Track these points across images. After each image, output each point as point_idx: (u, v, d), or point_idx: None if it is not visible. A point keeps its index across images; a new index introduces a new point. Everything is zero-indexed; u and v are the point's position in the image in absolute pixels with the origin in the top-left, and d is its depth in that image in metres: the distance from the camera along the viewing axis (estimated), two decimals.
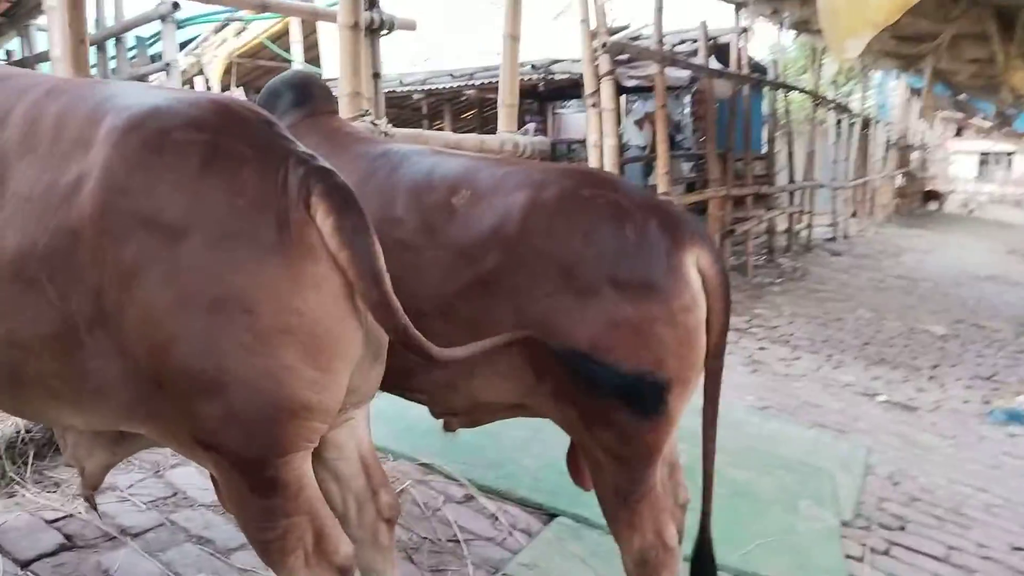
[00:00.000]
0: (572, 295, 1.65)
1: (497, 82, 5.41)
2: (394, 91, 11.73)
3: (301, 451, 1.41)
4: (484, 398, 1.84)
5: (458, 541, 2.53)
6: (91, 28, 9.90)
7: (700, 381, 1.76)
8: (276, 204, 1.33)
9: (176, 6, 7.69)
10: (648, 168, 10.02)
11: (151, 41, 9.22)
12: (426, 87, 12.15)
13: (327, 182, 1.37)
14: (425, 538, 2.55)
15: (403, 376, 1.87)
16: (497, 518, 2.72)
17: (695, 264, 1.68)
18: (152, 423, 1.44)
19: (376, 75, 4.88)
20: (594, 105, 6.42)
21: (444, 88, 12.04)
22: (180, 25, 9.70)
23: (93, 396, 1.44)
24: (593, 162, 6.43)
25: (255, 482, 1.40)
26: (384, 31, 4.87)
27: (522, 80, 6.70)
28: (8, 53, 10.79)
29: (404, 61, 13.18)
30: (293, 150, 1.41)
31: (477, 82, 11.47)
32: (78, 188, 1.35)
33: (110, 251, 1.31)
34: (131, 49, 8.25)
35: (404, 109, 13.64)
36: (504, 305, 1.70)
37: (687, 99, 11.29)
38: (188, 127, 1.37)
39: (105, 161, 1.34)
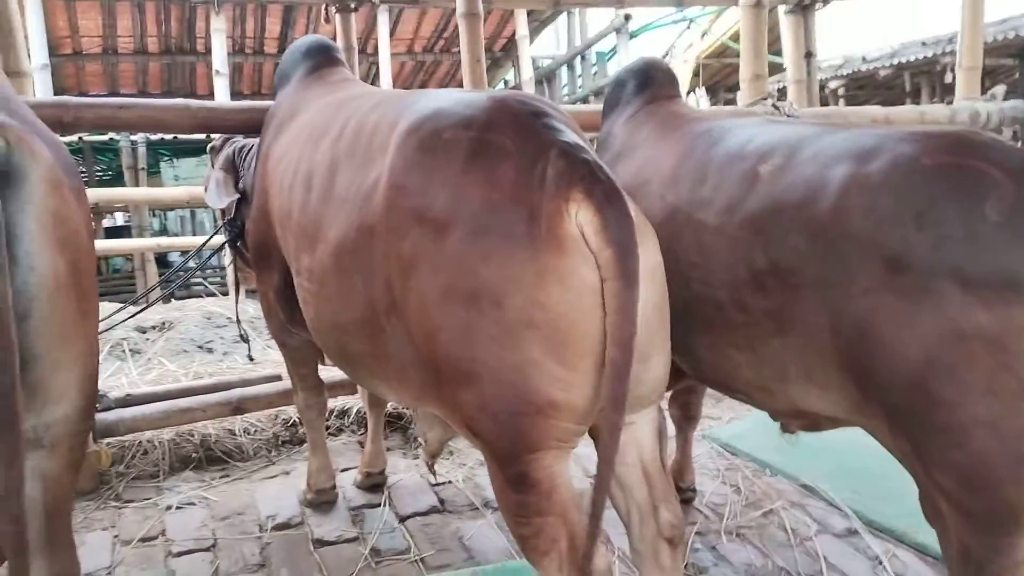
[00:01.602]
0: (900, 294, 1.25)
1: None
2: (858, 70, 10.62)
3: (552, 450, 1.35)
4: (804, 406, 1.53)
5: None
6: (562, 49, 11.31)
7: None
8: (531, 197, 1.29)
9: (627, 18, 8.21)
10: None
11: (609, 56, 10.03)
12: (895, 61, 10.71)
13: (589, 176, 1.30)
14: (783, 569, 2.22)
15: (716, 372, 1.66)
16: (881, 562, 2.23)
17: None
18: (440, 406, 1.52)
19: (809, 55, 4.48)
20: None
21: (916, 59, 10.45)
22: (633, 35, 10.33)
23: (397, 375, 1.59)
24: None
25: (508, 475, 1.37)
26: (819, 4, 4.45)
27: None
28: (505, 82, 12.91)
29: (871, 35, 11.83)
30: (557, 142, 1.35)
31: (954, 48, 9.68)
32: (374, 189, 1.49)
33: (395, 245, 1.42)
34: (593, 65, 9.10)
35: (865, 88, 12.26)
36: (811, 300, 1.39)
37: None
38: (458, 126, 1.41)
39: (391, 163, 1.46)
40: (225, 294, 5.87)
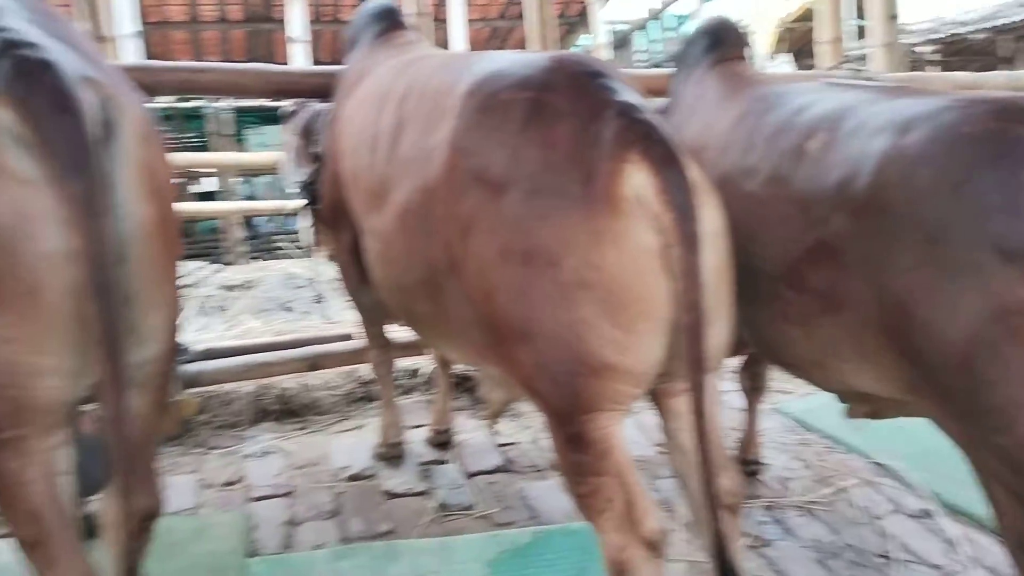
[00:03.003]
0: (940, 270, 1.20)
1: None
2: (951, 34, 10.01)
3: (607, 411, 1.36)
4: (857, 385, 1.49)
5: (888, 558, 2.10)
6: (639, 13, 11.07)
7: None
8: (586, 157, 1.29)
9: None
10: None
11: (686, 19, 9.76)
12: (990, 24, 10.03)
13: (646, 137, 1.29)
14: (850, 545, 2.18)
15: (772, 346, 1.63)
16: (955, 545, 2.17)
17: None
18: (500, 364, 1.55)
19: (893, 17, 4.26)
20: None
21: (1014, 22, 9.76)
22: None
23: (459, 335, 1.62)
24: None
25: (565, 434, 1.40)
26: None
27: None
28: (579, 47, 12.73)
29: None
30: (614, 102, 1.34)
31: None
32: (436, 150, 1.52)
33: (454, 206, 1.44)
34: (667, 30, 8.89)
35: (961, 54, 11.52)
36: (856, 278, 1.35)
37: None
38: (515, 87, 1.41)
39: (452, 125, 1.48)
40: (306, 256, 6.07)
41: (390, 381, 2.62)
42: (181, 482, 2.48)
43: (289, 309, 4.39)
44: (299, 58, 6.20)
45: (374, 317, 2.50)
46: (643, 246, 1.28)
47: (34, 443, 1.20)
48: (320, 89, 2.56)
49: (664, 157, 1.28)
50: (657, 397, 1.54)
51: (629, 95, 1.38)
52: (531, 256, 1.31)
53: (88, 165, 1.11)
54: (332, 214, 2.31)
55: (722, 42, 2.12)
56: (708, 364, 1.46)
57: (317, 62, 6.99)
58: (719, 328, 1.43)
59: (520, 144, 1.35)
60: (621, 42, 12.00)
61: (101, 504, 1.40)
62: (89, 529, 1.36)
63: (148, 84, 2.35)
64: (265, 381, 3.05)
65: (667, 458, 1.67)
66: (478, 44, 11.76)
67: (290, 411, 3.03)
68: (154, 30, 10.48)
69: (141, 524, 1.43)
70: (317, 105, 2.77)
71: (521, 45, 12.04)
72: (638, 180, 1.27)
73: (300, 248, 6.20)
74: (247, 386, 3.02)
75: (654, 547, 1.38)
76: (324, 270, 4.93)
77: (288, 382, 3.10)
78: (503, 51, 1.64)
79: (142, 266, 1.23)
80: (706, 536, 1.49)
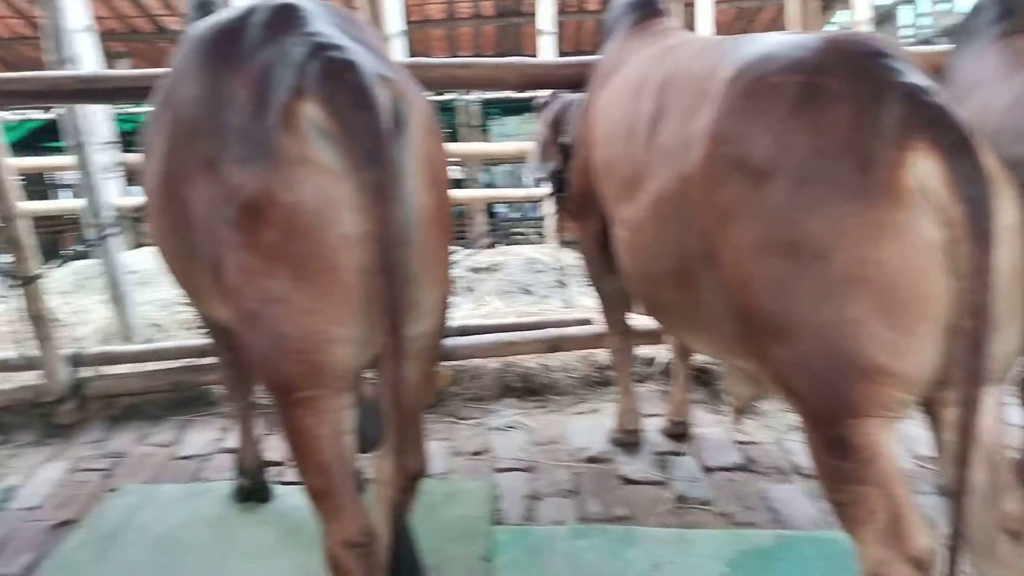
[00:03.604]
0: None
1: None
2: None
3: (875, 417, 1.26)
4: None
5: None
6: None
7: None
8: (864, 144, 1.20)
9: None
10: None
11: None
12: None
13: (936, 122, 1.18)
14: None
15: None
16: None
17: None
18: (752, 360, 1.50)
19: None
20: None
21: None
22: None
23: (708, 326, 1.59)
24: None
25: (825, 437, 1.31)
26: None
27: None
28: (837, 25, 11.75)
29: None
30: (898, 84, 1.23)
31: None
32: (696, 137, 1.49)
33: (712, 194, 1.41)
34: (938, 3, 7.90)
35: None
36: None
37: None
38: (785, 70, 1.34)
39: (713, 111, 1.44)
40: (546, 242, 6.28)
41: (628, 368, 2.63)
42: (434, 448, 2.68)
43: (530, 292, 4.57)
44: (548, 50, 6.37)
45: (615, 304, 2.53)
46: (927, 241, 1.16)
47: (326, 403, 1.36)
48: (572, 80, 2.62)
49: (955, 144, 1.15)
50: (930, 406, 1.40)
51: (916, 77, 1.25)
52: (795, 248, 1.25)
53: (383, 157, 1.23)
54: (580, 202, 2.36)
55: (1013, 12, 1.84)
56: (990, 375, 1.31)
57: (562, 53, 7.15)
58: (1012, 333, 1.27)
59: (788, 129, 1.29)
60: (884, 17, 10.88)
61: (371, 462, 1.57)
62: (358, 484, 1.53)
63: (419, 80, 2.56)
64: (509, 359, 3.22)
65: (935, 473, 1.51)
66: (724, 27, 11.30)
67: (531, 389, 3.16)
68: (416, 28, 11.34)
69: (409, 482, 1.59)
70: (569, 96, 2.84)
71: (769, 27, 11.41)
72: (924, 168, 1.16)
73: (540, 235, 6.43)
74: (492, 363, 3.20)
75: (921, 566, 1.27)
76: (563, 256, 5.06)
77: (529, 361, 3.24)
78: (771, 33, 1.56)
79: (422, 248, 1.35)
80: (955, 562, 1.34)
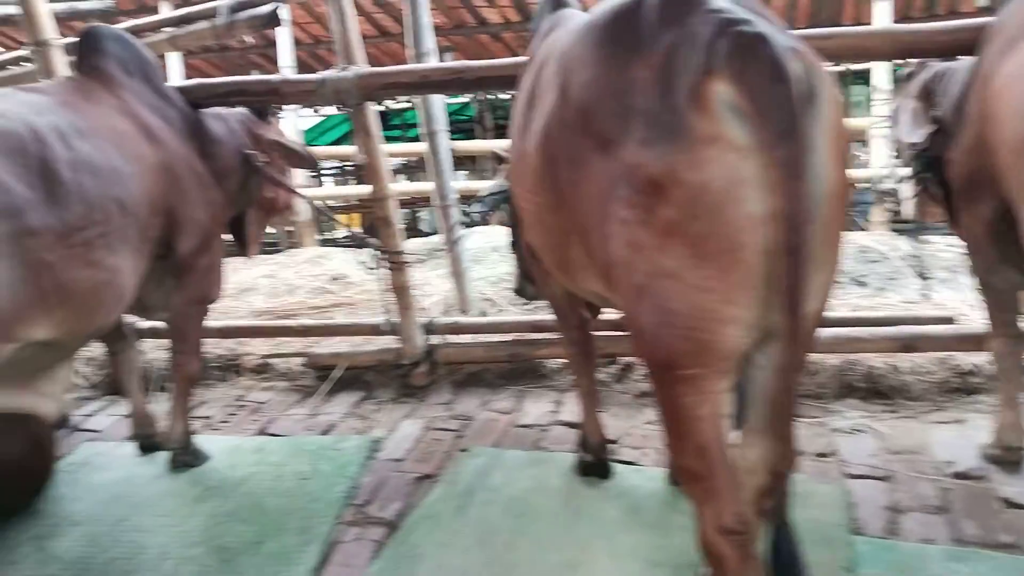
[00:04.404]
0: None
1: None
2: None
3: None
4: None
5: None
6: None
7: None
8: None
9: None
10: None
11: None
12: None
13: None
14: None
15: None
16: None
17: None
18: None
19: None
20: None
21: None
22: None
23: None
24: None
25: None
26: None
27: None
28: None
29: None
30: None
31: None
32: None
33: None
34: None
35: None
36: None
37: None
38: None
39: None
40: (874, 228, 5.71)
41: (1016, 377, 2.27)
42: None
43: (863, 284, 4.17)
44: (883, 17, 5.76)
45: (1006, 303, 2.18)
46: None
47: (709, 383, 1.33)
48: (952, 47, 2.31)
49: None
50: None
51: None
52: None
53: (796, 131, 1.17)
54: (967, 184, 2.07)
55: None
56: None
57: (905, 19, 6.41)
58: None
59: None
60: None
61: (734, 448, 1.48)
62: None
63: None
64: (849, 356, 2.96)
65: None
66: None
67: (877, 391, 2.88)
68: None
69: (785, 470, 1.50)
70: (941, 64, 2.50)
71: None
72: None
73: (867, 220, 5.87)
74: (831, 359, 2.97)
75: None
76: (900, 244, 4.56)
77: (874, 360, 2.95)
78: None
79: (825, 227, 1.27)
80: None
